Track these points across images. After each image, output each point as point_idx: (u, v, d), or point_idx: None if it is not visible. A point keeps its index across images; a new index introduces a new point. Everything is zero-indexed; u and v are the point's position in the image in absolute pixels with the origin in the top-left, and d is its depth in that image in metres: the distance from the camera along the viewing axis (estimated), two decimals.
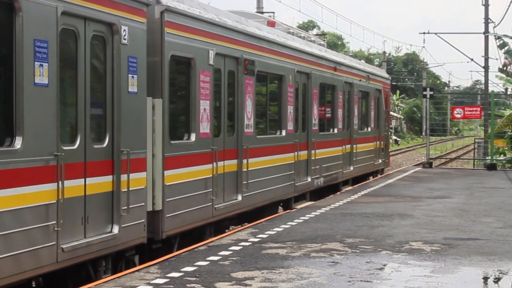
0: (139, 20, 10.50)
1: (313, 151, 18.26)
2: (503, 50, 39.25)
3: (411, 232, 12.86)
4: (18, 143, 8.07)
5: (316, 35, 68.54)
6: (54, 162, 8.62)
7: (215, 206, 12.86)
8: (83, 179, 9.30)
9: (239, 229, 13.08)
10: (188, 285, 8.63)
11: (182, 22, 11.71)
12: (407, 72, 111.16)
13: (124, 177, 10.03)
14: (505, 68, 39.32)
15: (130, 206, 10.09)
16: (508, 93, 48.50)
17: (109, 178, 9.88)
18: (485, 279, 9.58)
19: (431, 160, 31.21)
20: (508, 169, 32.17)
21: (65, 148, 8.86)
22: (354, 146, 22.35)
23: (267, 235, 12.25)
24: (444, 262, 10.30)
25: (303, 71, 17.74)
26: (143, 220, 10.62)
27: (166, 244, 11.61)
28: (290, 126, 16.80)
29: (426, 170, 28.60)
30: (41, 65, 8.42)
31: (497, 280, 9.48)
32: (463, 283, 9.19)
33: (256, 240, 11.79)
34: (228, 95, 13.69)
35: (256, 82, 14.78)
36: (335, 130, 20.65)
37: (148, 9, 10.76)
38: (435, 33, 48.31)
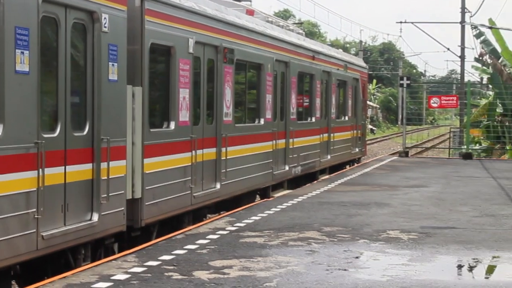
0: (120, 8, 10.51)
1: (291, 140, 18.38)
2: (479, 40, 38.41)
3: (388, 221, 12.92)
4: None
5: (295, 23, 68.60)
6: (35, 150, 8.64)
7: (194, 194, 12.93)
8: (63, 167, 9.32)
9: (217, 217, 13.10)
10: (166, 274, 8.63)
11: (162, 10, 11.74)
12: (384, 61, 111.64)
13: (104, 165, 10.05)
14: (481, 58, 38.88)
15: (109, 194, 10.12)
16: (484, 82, 48.94)
17: (89, 166, 9.90)
18: (461, 267, 9.69)
19: (407, 149, 31.48)
20: (483, 158, 32.37)
21: (45, 136, 8.88)
22: (332, 135, 22.51)
23: (245, 224, 12.26)
24: (421, 250, 10.37)
25: (281, 60, 17.84)
26: (123, 208, 10.66)
27: (145, 232, 11.67)
28: (269, 114, 16.90)
29: (403, 159, 28.72)
30: (22, 53, 8.42)
31: (472, 268, 9.60)
32: (440, 271, 9.25)
33: (233, 228, 11.81)
34: (207, 84, 13.74)
35: (235, 71, 14.84)
36: (313, 119, 20.78)
37: None
38: (412, 22, 48.27)
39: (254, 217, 12.97)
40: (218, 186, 14.04)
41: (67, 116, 9.40)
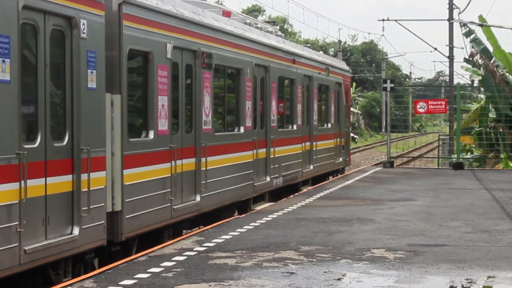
0: (98, 13, 11.20)
1: (272, 149, 19.15)
2: (469, 39, 38.46)
3: (372, 239, 13.00)
4: None
5: (267, 21, 69.28)
6: (16, 161, 9.30)
7: (174, 207, 13.62)
8: (44, 179, 9.99)
9: (183, 237, 13.14)
10: None
11: (139, 15, 12.45)
12: (366, 63, 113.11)
13: (84, 176, 10.73)
14: (471, 58, 38.97)
15: (90, 207, 10.81)
16: (475, 85, 48.74)
17: (69, 177, 10.57)
18: None
19: (392, 159, 31.57)
20: (475, 168, 32.46)
21: (26, 146, 9.55)
22: (314, 143, 23.32)
23: (214, 244, 12.32)
24: (409, 271, 10.42)
25: (261, 64, 18.62)
26: (103, 222, 11.33)
27: (124, 247, 12.34)
28: (249, 122, 17.66)
29: (387, 170, 28.71)
30: (3, 61, 9.09)
31: None
32: None
33: (202, 249, 11.86)
34: (186, 90, 14.46)
35: (213, 77, 15.58)
36: (295, 127, 21.59)
37: (106, 2, 11.47)
38: (395, 20, 48.56)
39: (224, 236, 13.03)
40: (198, 198, 14.74)
41: (47, 126, 10.07)
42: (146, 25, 12.70)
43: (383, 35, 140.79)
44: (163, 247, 12.00)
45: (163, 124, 13.27)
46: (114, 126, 11.76)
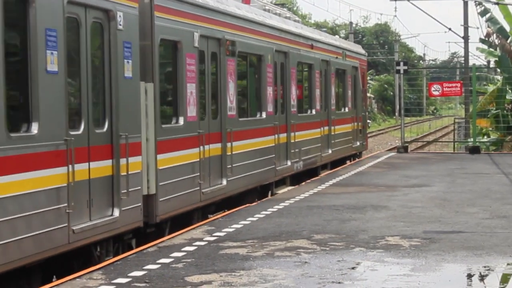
0: (132, 5, 12.26)
1: (292, 134, 20.21)
2: (484, 18, 38.66)
3: (387, 226, 13.08)
4: (35, 128, 9.82)
5: (276, 4, 70.04)
6: (64, 147, 10.37)
7: (203, 190, 14.70)
8: (87, 163, 11.07)
9: (193, 227, 13.33)
10: None
11: (169, 5, 13.49)
12: (378, 45, 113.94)
13: (123, 161, 11.81)
14: (487, 39, 38.96)
15: (129, 190, 11.89)
16: (491, 66, 49.03)
17: (109, 162, 11.65)
18: (471, 276, 9.85)
19: (406, 144, 31.52)
20: (492, 152, 32.56)
21: (72, 133, 10.62)
22: (332, 128, 24.39)
23: (225, 233, 12.48)
24: (425, 259, 10.50)
25: (281, 50, 19.66)
26: (140, 204, 12.43)
27: (158, 229, 13.41)
28: (270, 108, 18.72)
29: (401, 155, 28.73)
30: (52, 53, 10.14)
31: (483, 277, 9.74)
32: (447, 282, 9.43)
33: (212, 239, 12.02)
34: (212, 77, 15.51)
35: (237, 63, 16.63)
36: (313, 111, 22.64)
37: None
38: (408, 0, 47.47)
39: (235, 225, 13.20)
40: (224, 182, 15.81)
41: (90, 114, 11.15)
42: (175, 15, 13.74)
43: (395, 16, 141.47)
44: (172, 237, 12.26)
45: (191, 111, 14.32)
46: (148, 113, 12.81)
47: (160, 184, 13.05)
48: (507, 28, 37.37)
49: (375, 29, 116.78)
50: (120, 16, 11.83)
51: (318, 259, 10.52)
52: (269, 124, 18.66)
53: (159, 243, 11.68)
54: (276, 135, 19.05)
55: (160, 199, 13.06)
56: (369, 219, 13.87)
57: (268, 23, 18.79)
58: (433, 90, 31.15)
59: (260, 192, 19.07)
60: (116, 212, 11.71)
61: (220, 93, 15.84)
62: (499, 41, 37.55)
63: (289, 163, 20.07)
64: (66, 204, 10.36)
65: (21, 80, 9.82)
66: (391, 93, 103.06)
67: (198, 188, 14.52)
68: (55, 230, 10.14)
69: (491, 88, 38.81)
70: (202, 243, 11.65)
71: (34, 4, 9.79)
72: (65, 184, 10.35)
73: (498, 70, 41.03)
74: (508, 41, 37.05)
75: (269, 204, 15.85)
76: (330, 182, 19.72)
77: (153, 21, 12.94)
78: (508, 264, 10.31)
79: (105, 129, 11.61)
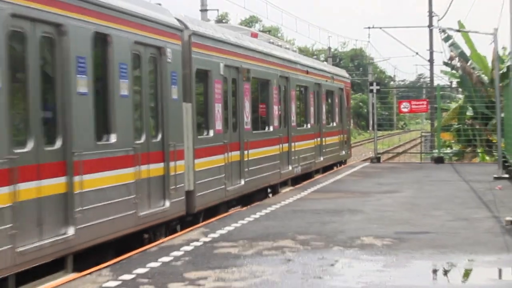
0: (177, 42, 14.19)
1: (293, 144, 22.12)
2: (448, 43, 38.57)
3: (362, 228, 13.17)
4: (113, 138, 11.70)
5: (260, 31, 71.46)
6: (133, 152, 12.25)
7: (227, 188, 16.58)
8: (148, 165, 12.96)
9: (190, 229, 13.51)
10: (141, 287, 8.93)
11: (202, 42, 15.40)
12: (354, 67, 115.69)
13: (172, 164, 13.71)
14: (450, 61, 38.84)
15: (176, 186, 13.80)
16: (453, 86, 48.00)
17: (161, 165, 13.53)
18: (436, 271, 9.94)
19: (379, 155, 31.72)
20: (455, 162, 32.72)
21: (136, 142, 12.48)
22: (323, 139, 26.30)
23: (219, 235, 12.64)
24: (396, 256, 10.54)
25: (283, 75, 21.61)
26: (183, 198, 14.32)
27: (194, 218, 15.27)
28: (276, 122, 20.64)
29: (375, 165, 28.96)
30: (124, 81, 12.04)
31: (447, 272, 9.87)
32: (416, 276, 9.47)
33: (207, 239, 12.15)
34: (232, 98, 17.42)
35: (250, 87, 18.56)
36: (309, 125, 24.57)
37: (181, 34, 14.44)
38: (380, 28, 48.96)
39: (227, 228, 13.38)
40: (242, 182, 17.69)
41: (148, 128, 13.04)
42: (206, 50, 15.66)
43: (369, 41, 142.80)
44: (172, 238, 12.47)
45: (219, 125, 16.23)
46: (188, 126, 14.71)
47: (197, 182, 14.93)
48: (468, 52, 37.64)
49: (351, 53, 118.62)
50: (169, 51, 13.76)
51: (301, 257, 10.60)
52: (275, 136, 20.58)
53: (160, 243, 11.93)
54: (281, 145, 20.97)
55: (197, 194, 14.94)
56: (346, 221, 13.99)
57: (274, 54, 20.75)
58: (403, 107, 31.22)
59: (266, 191, 20.95)
60: (167, 203, 13.59)
61: (238, 111, 17.75)
62: (460, 64, 37.25)
63: (290, 167, 21.98)
64: (134, 196, 12.26)
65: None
66: (365, 110, 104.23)
67: (224, 186, 16.40)
68: (126, 215, 12.03)
69: (453, 105, 38.89)
70: (199, 244, 11.79)
71: (112, 45, 11.72)
72: (133, 181, 12.27)
73: (460, 89, 40.78)
74: (468, 64, 36.98)
75: (258, 208, 15.99)
76: (312, 189, 19.88)
77: (191, 55, 14.86)
78: (469, 260, 10.38)
79: (158, 139, 13.51)
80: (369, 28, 52.48)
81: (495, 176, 22.18)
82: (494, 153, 31.09)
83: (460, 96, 40.94)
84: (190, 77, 14.85)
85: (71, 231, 10.30)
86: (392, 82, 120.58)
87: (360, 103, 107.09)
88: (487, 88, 34.87)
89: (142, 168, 12.62)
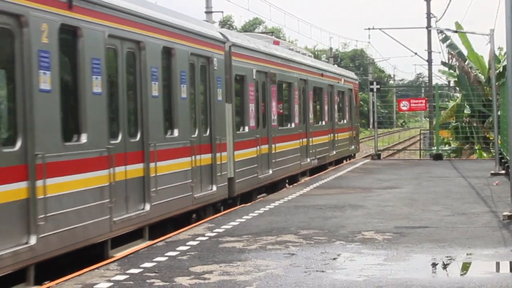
0: (220, 53, 16.58)
1: (310, 139, 24.53)
2: (445, 44, 38.89)
3: (363, 222, 13.23)
4: (176, 132, 14.09)
5: (261, 33, 73.41)
6: (191, 144, 14.63)
7: (259, 176, 18.98)
8: (200, 155, 15.35)
9: (195, 224, 13.70)
10: (148, 281, 8.90)
11: (240, 52, 17.79)
12: (354, 67, 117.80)
13: (218, 154, 16.11)
14: (450, 61, 39.11)
15: (221, 173, 16.20)
16: (451, 85, 48.48)
17: (209, 155, 15.92)
18: (435, 265, 9.92)
19: (379, 152, 31.91)
20: (453, 158, 32.79)
21: (192, 136, 14.86)
22: (336, 135, 28.73)
23: (224, 230, 12.73)
24: (396, 250, 10.59)
25: (303, 78, 24.02)
26: (226, 183, 16.72)
27: (233, 201, 17.66)
28: (297, 120, 23.04)
29: (375, 162, 29.05)
30: (183, 86, 14.43)
31: (446, 265, 9.87)
32: (415, 270, 9.47)
33: (212, 234, 12.25)
34: (262, 99, 19.83)
35: (276, 89, 20.97)
36: (323, 123, 26.97)
37: (223, 45, 16.85)
38: (380, 29, 49.38)
39: (232, 223, 13.50)
40: (270, 171, 20.09)
41: (200, 124, 15.44)
42: (243, 58, 18.05)
43: (369, 42, 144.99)
44: (178, 233, 12.56)
45: (252, 122, 18.63)
46: (229, 123, 17.09)
47: (236, 171, 17.32)
48: (465, 52, 37.90)
49: (351, 54, 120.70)
50: (215, 60, 16.16)
51: (304, 251, 10.67)
52: (296, 132, 22.99)
53: (167, 238, 12.03)
54: (301, 139, 23.38)
55: (237, 181, 17.32)
56: (348, 216, 14.12)
57: (295, 59, 23.17)
58: (402, 106, 31.45)
59: (291, 181, 23.24)
60: (214, 188, 15.98)
61: (267, 109, 20.17)
62: (458, 64, 37.54)
63: (308, 160, 24.38)
64: (191, 180, 14.66)
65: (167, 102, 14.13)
66: (366, 109, 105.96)
67: (256, 175, 18.80)
68: (185, 196, 14.43)
69: (451, 104, 39.23)
70: (204, 238, 11.92)
71: (175, 55, 14.12)
72: (190, 168, 14.67)
73: (457, 88, 40.98)
74: (466, 63, 37.21)
75: (261, 204, 16.27)
76: (314, 185, 20.14)
77: (231, 62, 17.24)
78: (467, 254, 10.43)
79: (207, 133, 15.91)
80: (369, 29, 53.64)
81: (492, 172, 22.34)
82: (491, 150, 31.29)
83: (458, 95, 41.16)
84: (230, 81, 17.22)
85: (147, 207, 12.69)
86: (391, 81, 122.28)
87: (361, 102, 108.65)
88: (484, 87, 35.37)
89: (196, 158, 15.01)
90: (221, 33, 16.86)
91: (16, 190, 9.08)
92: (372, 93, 31.29)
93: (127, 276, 9.19)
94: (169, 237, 12.08)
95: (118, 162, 11.62)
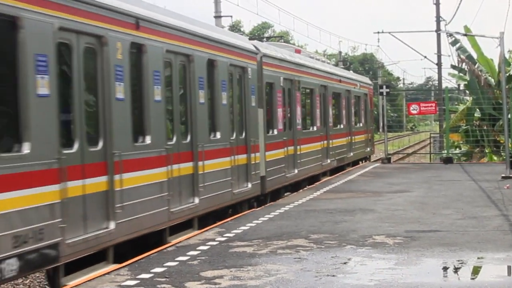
0: (254, 63, 18.46)
1: (330, 141, 26.43)
2: (455, 47, 39.24)
3: (373, 226, 13.25)
4: (188, 137, 16.00)
5: (270, 37, 74.22)
6: (229, 145, 16.52)
7: (286, 175, 20.86)
8: (237, 156, 17.20)
9: (206, 229, 13.79)
10: (159, 286, 8.92)
11: (269, 61, 19.67)
12: (364, 71, 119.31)
13: (252, 155, 17.99)
14: (460, 64, 39.17)
15: (255, 172, 18.10)
16: (461, 88, 47.12)
17: (244, 156, 17.78)
18: (446, 269, 9.97)
19: (389, 156, 32.38)
20: (463, 162, 33.24)
21: (231, 139, 16.76)
22: (353, 137, 30.63)
23: (234, 234, 12.78)
24: (407, 254, 10.58)
25: (323, 85, 25.93)
26: (259, 181, 18.59)
27: (264, 198, 19.52)
28: (318, 123, 24.93)
29: (385, 166, 29.50)
30: (224, 93, 16.31)
31: (457, 269, 9.89)
32: (426, 274, 9.49)
33: (223, 239, 12.28)
34: (288, 104, 21.73)
35: (301, 95, 22.88)
36: (342, 126, 28.87)
37: (256, 56, 18.75)
38: (389, 32, 49.65)
39: (242, 227, 13.58)
40: (296, 171, 21.96)
41: (236, 128, 17.31)
42: (271, 67, 19.94)
43: (378, 45, 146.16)
44: (188, 238, 12.70)
45: (280, 125, 20.51)
46: (261, 126, 18.98)
47: (267, 170, 19.20)
48: (474, 55, 38.10)
49: (361, 57, 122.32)
50: (249, 70, 18.06)
51: (315, 255, 10.70)
52: (318, 134, 24.87)
53: (177, 243, 12.14)
54: (322, 142, 25.27)
55: (268, 179, 19.20)
56: (358, 220, 14.18)
57: (316, 67, 25.09)
58: (412, 109, 31.77)
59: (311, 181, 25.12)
60: (249, 185, 17.84)
61: (293, 114, 22.07)
62: (469, 67, 37.68)
63: (329, 160, 26.26)
64: (230, 178, 16.54)
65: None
66: (376, 112, 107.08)
67: (284, 174, 20.68)
68: (226, 192, 16.31)
69: (461, 107, 39.16)
70: (214, 243, 11.96)
71: (217, 66, 16.03)
72: (230, 167, 16.55)
73: (467, 92, 41.10)
74: (476, 66, 37.39)
75: (272, 208, 16.49)
76: (324, 189, 20.42)
77: (262, 72, 19.14)
78: (478, 258, 10.44)
79: (243, 136, 17.79)
80: (378, 33, 52.89)
81: (503, 175, 22.54)
82: (502, 153, 31.62)
83: (468, 98, 41.11)
84: (262, 88, 19.10)
85: (196, 200, 14.56)
86: (401, 85, 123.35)
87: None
88: (494, 90, 35.62)
89: (235, 158, 16.89)
90: (253, 45, 18.76)
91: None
92: (382, 96, 32.19)
93: (138, 281, 9.22)
94: (180, 242, 12.21)
95: (174, 161, 13.48)
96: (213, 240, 12.29)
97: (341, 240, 11.92)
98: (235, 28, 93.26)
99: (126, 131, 11.74)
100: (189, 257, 10.76)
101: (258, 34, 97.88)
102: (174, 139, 13.79)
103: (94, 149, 10.88)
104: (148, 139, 12.56)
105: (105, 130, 11.15)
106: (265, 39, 52.69)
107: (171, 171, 13.29)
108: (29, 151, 9.21)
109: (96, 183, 10.82)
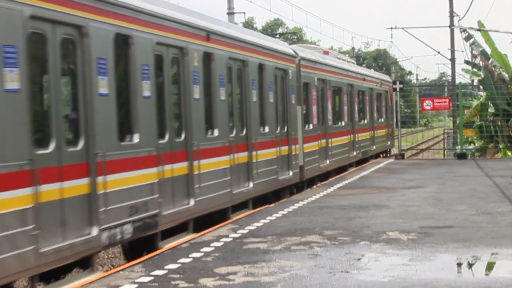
0: (293, 66, 21.11)
1: (356, 135, 29.05)
2: (468, 42, 39.48)
3: (387, 222, 13.25)
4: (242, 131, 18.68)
5: (284, 33, 75.69)
6: (275, 138, 19.19)
7: (320, 165, 23.53)
8: (280, 147, 19.85)
9: (220, 225, 13.78)
10: (173, 282, 8.95)
11: (305, 63, 22.31)
12: (377, 67, 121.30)
13: (292, 147, 20.65)
14: (473, 60, 39.53)
15: (295, 162, 20.77)
16: (475, 84, 47.15)
17: (286, 147, 20.40)
18: (460, 265, 9.92)
19: (403, 152, 32.95)
20: (477, 157, 33.44)
21: (276, 132, 19.43)
22: (375, 131, 33.27)
23: (248, 230, 12.79)
24: (421, 250, 10.55)
25: (350, 83, 28.60)
26: (298, 170, 21.25)
27: (301, 185, 22.16)
28: (346, 118, 27.58)
29: (399, 162, 29.74)
30: (254, 91, 18.98)
31: (471, 265, 9.87)
32: (441, 270, 9.50)
33: (237, 235, 12.27)
34: (321, 101, 24.37)
35: (332, 93, 25.56)
36: (365, 121, 31.52)
37: (295, 59, 21.43)
38: (402, 28, 49.93)
39: (256, 224, 13.60)
40: (327, 162, 24.57)
41: (280, 123, 19.96)
42: (307, 68, 22.58)
43: (391, 41, 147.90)
44: (202, 234, 12.65)
45: (315, 120, 23.15)
46: (299, 122, 21.60)
47: (305, 160, 21.85)
48: (488, 51, 38.44)
49: (374, 53, 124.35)
50: (290, 71, 20.72)
51: (329, 251, 10.72)
52: (345, 129, 27.51)
53: (191, 240, 12.15)
54: (349, 135, 27.93)
55: (305, 168, 21.85)
56: (372, 216, 14.18)
57: (344, 67, 27.77)
58: (425, 105, 32.04)
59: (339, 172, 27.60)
60: (291, 173, 20.44)
61: (325, 110, 24.71)
62: (482, 63, 37.92)
63: (355, 153, 28.90)
64: (276, 166, 19.18)
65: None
66: None
67: (318, 164, 23.33)
68: (273, 178, 18.94)
69: (475, 102, 39.34)
70: (228, 239, 11.97)
71: (265, 69, 18.70)
72: (276, 157, 19.21)
73: (481, 87, 41.19)
74: (489, 62, 37.66)
75: (285, 205, 16.60)
76: (338, 186, 20.78)
77: (300, 73, 21.80)
78: (492, 254, 10.44)
79: (285, 130, 20.40)
80: (391, 28, 53.43)
81: None
82: None
83: (482, 93, 41.22)
84: (299, 88, 21.75)
85: (251, 185, 17.21)
86: (414, 80, 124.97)
87: None
88: (508, 86, 36.28)
89: (279, 149, 19.56)
90: (293, 50, 21.43)
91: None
92: (395, 92, 32.60)
93: (152, 278, 9.29)
94: (193, 239, 12.24)
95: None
96: (227, 236, 12.34)
97: (355, 236, 11.97)
98: (248, 24, 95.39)
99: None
100: (202, 254, 10.84)
101: (270, 30, 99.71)
102: (234, 132, 16.44)
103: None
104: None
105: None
106: (277, 36, 55.10)
107: (233, 159, 15.98)
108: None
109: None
